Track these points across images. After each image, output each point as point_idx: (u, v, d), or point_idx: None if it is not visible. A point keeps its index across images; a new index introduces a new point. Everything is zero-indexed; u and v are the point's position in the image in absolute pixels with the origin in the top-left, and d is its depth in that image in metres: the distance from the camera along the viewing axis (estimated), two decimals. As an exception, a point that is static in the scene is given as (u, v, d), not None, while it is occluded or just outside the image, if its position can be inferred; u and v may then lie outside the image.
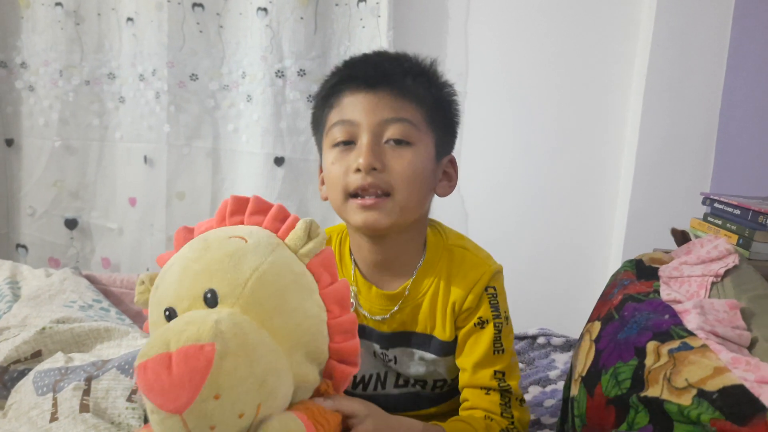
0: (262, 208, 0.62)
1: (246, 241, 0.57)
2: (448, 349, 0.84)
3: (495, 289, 0.82)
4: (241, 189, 1.79)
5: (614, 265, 1.04)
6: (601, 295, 0.95)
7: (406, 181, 0.76)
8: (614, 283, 0.94)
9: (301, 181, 1.75)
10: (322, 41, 1.69)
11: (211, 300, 0.53)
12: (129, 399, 0.88)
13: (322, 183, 0.86)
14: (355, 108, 0.77)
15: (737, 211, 1.06)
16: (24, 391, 0.91)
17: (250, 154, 1.75)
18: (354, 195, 0.77)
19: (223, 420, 0.48)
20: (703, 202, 1.18)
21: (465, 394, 0.83)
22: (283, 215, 0.61)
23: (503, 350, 0.81)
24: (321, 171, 0.86)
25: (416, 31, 1.69)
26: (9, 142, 1.86)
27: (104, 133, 1.85)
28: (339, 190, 0.77)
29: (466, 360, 0.82)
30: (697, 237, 1.00)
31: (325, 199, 0.84)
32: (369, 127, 0.76)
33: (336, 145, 0.78)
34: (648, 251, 1.02)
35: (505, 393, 0.81)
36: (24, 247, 1.90)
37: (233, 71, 1.76)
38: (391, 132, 0.76)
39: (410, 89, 0.78)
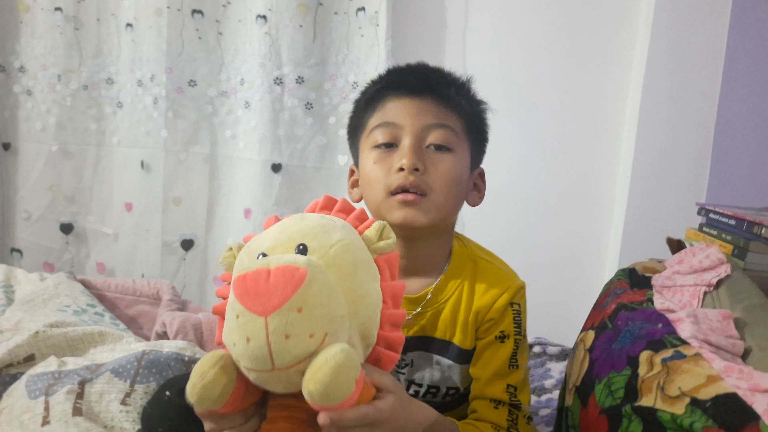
0: (347, 208, 0.70)
1: (335, 222, 0.66)
2: (466, 357, 0.85)
3: (520, 306, 0.84)
4: (237, 195, 1.79)
5: (610, 274, 1.04)
6: (595, 304, 0.95)
7: (445, 185, 0.79)
8: (608, 292, 0.94)
9: (298, 188, 1.75)
10: (320, 49, 1.70)
11: (302, 251, 0.60)
12: (123, 402, 0.87)
13: (353, 186, 0.88)
14: (399, 111, 0.80)
15: (732, 222, 1.07)
16: (16, 395, 0.90)
17: (247, 161, 1.76)
18: (394, 193, 0.79)
19: (297, 333, 0.53)
20: (699, 213, 1.18)
21: (474, 405, 0.83)
22: (363, 217, 0.69)
23: (518, 366, 0.83)
24: (351, 174, 0.89)
25: (415, 40, 1.70)
26: (6, 146, 1.86)
27: (101, 137, 1.86)
28: (380, 189, 0.79)
29: (481, 371, 0.83)
30: (691, 246, 1.00)
31: (358, 200, 0.86)
32: (412, 130, 0.79)
33: (377, 146, 0.80)
34: (644, 261, 1.02)
35: (513, 409, 0.82)
36: (19, 251, 1.89)
37: (232, 78, 1.77)
38: (434, 137, 0.79)
39: (453, 99, 0.81)
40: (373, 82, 0.86)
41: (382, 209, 0.80)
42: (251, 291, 0.55)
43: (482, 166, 0.89)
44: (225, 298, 0.63)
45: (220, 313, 0.64)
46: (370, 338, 0.63)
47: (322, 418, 0.55)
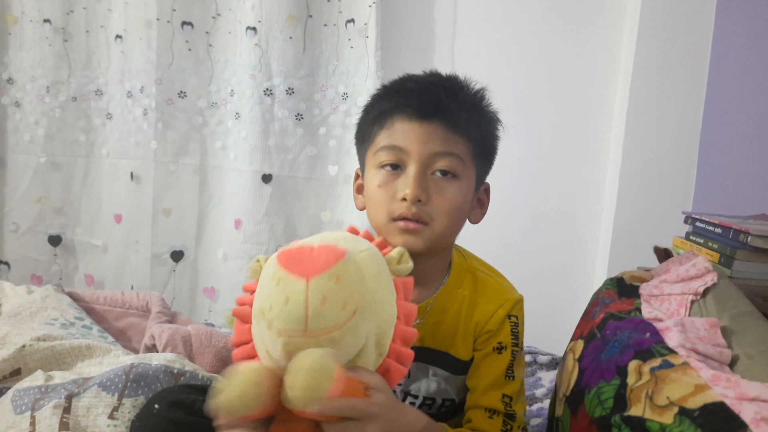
0: (369, 236, 0.76)
1: (363, 239, 0.73)
2: (463, 368, 0.85)
3: (517, 319, 0.85)
4: (228, 206, 1.78)
5: (599, 282, 1.05)
6: (584, 314, 0.96)
7: (446, 214, 0.79)
8: (596, 301, 0.95)
9: (289, 198, 1.75)
10: (310, 60, 1.70)
11: None
12: (111, 416, 0.87)
13: (358, 192, 0.89)
14: (406, 136, 0.79)
15: (719, 230, 1.08)
16: (2, 410, 0.89)
17: (237, 171, 1.75)
18: (396, 219, 0.80)
19: (333, 299, 0.58)
20: (685, 221, 1.19)
21: (470, 414, 0.84)
22: (385, 244, 0.74)
23: (514, 377, 0.83)
24: (356, 178, 0.90)
25: (404, 52, 1.71)
26: (-6, 158, 1.85)
27: (90, 149, 1.85)
28: (383, 214, 0.80)
29: (477, 381, 0.84)
30: (678, 255, 1.01)
31: (362, 209, 0.88)
32: (418, 157, 0.79)
33: (383, 166, 0.81)
34: (632, 270, 1.03)
35: (508, 419, 0.82)
36: (6, 263, 1.87)
37: (222, 89, 1.77)
38: (439, 165, 0.79)
39: (462, 124, 0.80)
40: (383, 96, 0.85)
41: (384, 232, 0.81)
42: (296, 259, 0.59)
43: (488, 182, 0.89)
44: (246, 304, 0.68)
45: (239, 316, 0.69)
46: (383, 347, 0.66)
47: (310, 408, 0.57)
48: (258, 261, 0.68)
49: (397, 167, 0.80)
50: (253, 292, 0.67)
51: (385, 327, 0.66)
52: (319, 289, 0.57)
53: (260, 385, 0.58)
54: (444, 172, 0.79)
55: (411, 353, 0.68)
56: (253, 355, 0.66)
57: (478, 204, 0.88)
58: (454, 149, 0.79)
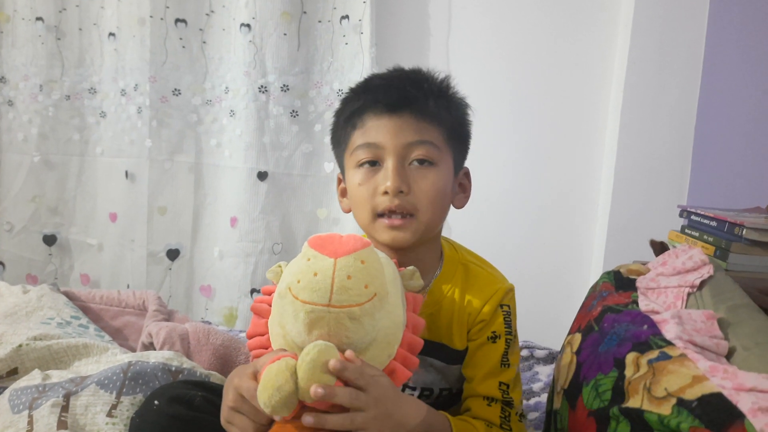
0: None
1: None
2: (458, 358, 0.87)
3: (509, 307, 0.86)
4: (223, 204, 1.78)
5: (595, 277, 1.06)
6: (581, 307, 0.96)
7: (430, 202, 0.80)
8: (593, 294, 0.95)
9: (284, 195, 1.75)
10: (305, 57, 1.70)
11: None
12: (109, 414, 0.86)
13: (342, 195, 0.90)
14: (380, 131, 0.80)
15: (714, 223, 1.08)
16: (-1, 409, 0.89)
17: (232, 169, 1.75)
18: (381, 215, 0.80)
19: (357, 277, 0.63)
20: (681, 215, 1.20)
21: (468, 403, 0.85)
22: (398, 264, 0.78)
23: (509, 364, 0.84)
24: (339, 183, 0.90)
25: (398, 48, 1.71)
26: (-13, 157, 1.84)
27: (85, 147, 1.84)
28: (367, 211, 0.81)
29: (474, 371, 0.85)
30: (674, 248, 1.01)
31: (348, 211, 0.88)
32: (394, 150, 0.79)
33: (361, 165, 0.81)
34: (628, 263, 1.03)
35: (506, 406, 0.83)
36: (1, 263, 1.86)
37: (216, 86, 1.76)
38: (415, 154, 0.80)
39: (432, 112, 0.82)
40: (352, 97, 0.86)
41: (370, 230, 0.82)
42: (326, 241, 0.65)
43: (467, 166, 0.90)
44: (265, 302, 0.73)
45: (256, 311, 0.73)
46: (392, 348, 0.68)
47: (312, 390, 0.60)
48: (279, 266, 0.72)
49: (375, 164, 0.81)
50: (271, 294, 0.71)
51: (395, 330, 0.68)
52: (346, 267, 0.63)
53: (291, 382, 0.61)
54: (421, 161, 0.80)
55: (416, 360, 0.70)
56: (266, 346, 0.70)
57: (460, 189, 0.88)
58: (428, 137, 0.80)
